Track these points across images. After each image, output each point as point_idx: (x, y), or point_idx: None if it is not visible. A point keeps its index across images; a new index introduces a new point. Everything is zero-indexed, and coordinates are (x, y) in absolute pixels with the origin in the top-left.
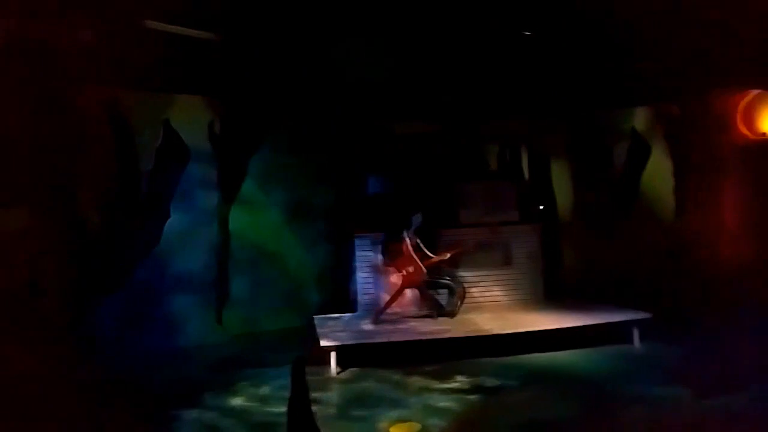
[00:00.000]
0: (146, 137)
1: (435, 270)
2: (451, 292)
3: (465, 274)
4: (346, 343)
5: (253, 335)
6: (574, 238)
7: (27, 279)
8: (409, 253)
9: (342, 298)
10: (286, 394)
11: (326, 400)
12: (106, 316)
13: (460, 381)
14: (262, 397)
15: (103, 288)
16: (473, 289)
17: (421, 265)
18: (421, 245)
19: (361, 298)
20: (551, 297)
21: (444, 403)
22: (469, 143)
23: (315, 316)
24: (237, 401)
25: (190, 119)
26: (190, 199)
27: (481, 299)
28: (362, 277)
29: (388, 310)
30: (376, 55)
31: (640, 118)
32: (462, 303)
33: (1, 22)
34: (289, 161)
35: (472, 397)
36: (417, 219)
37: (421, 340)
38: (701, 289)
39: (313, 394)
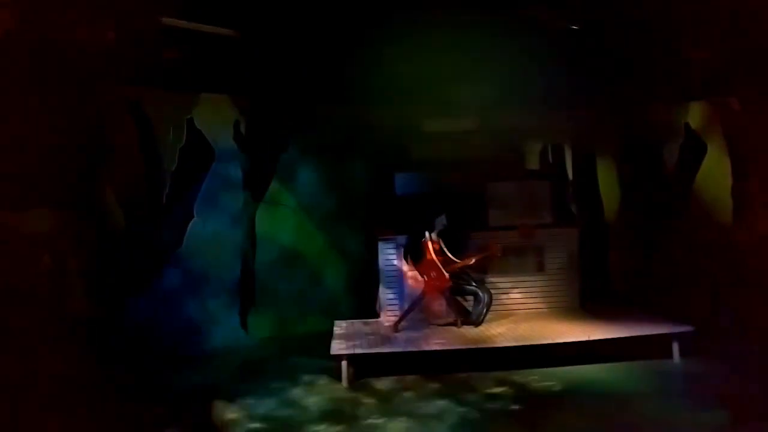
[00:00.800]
0: (170, 137)
1: (461, 275)
2: (477, 299)
3: (495, 280)
4: (356, 352)
5: (280, 339)
6: (622, 242)
7: (52, 281)
8: (431, 257)
9: (372, 303)
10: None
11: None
12: (129, 319)
13: (447, 399)
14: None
15: (128, 290)
16: (503, 296)
17: (443, 270)
18: (445, 249)
19: (385, 304)
20: (591, 305)
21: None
22: (506, 141)
23: (337, 321)
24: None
25: (215, 119)
26: (214, 200)
27: (512, 307)
28: (386, 281)
29: (411, 317)
30: (407, 49)
31: (694, 113)
32: (488, 311)
33: (23, 20)
34: (318, 161)
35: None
36: (441, 221)
37: (428, 351)
38: (759, 302)
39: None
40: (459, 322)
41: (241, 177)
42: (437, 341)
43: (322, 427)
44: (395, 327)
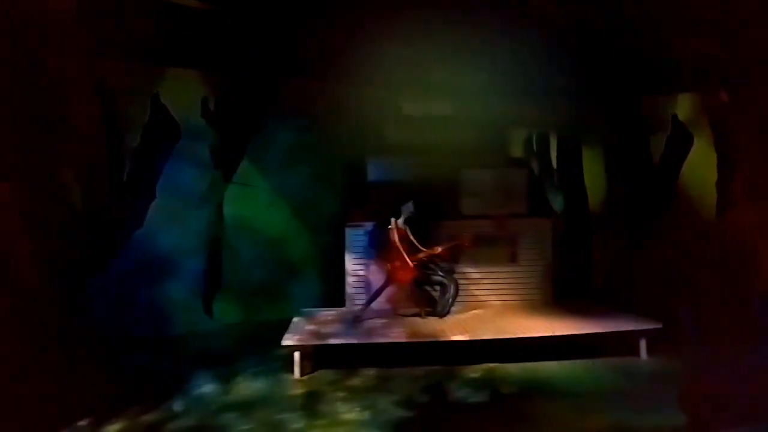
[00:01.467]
0: (133, 112)
1: (428, 265)
2: (443, 290)
3: (466, 270)
4: (308, 343)
5: (246, 326)
6: (605, 235)
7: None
8: (396, 245)
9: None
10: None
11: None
12: (86, 300)
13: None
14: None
15: (84, 270)
16: (474, 288)
17: (407, 259)
18: (412, 237)
19: (351, 292)
20: (564, 299)
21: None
22: (487, 128)
23: (303, 309)
24: None
25: (182, 94)
26: (179, 180)
27: (483, 298)
28: (352, 269)
29: (378, 306)
30: (389, 28)
31: (683, 105)
32: (454, 302)
33: None
34: (293, 142)
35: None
36: (407, 208)
37: (379, 343)
38: (739, 302)
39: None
40: (423, 312)
41: (208, 156)
42: (394, 333)
43: (232, 415)
44: (358, 317)
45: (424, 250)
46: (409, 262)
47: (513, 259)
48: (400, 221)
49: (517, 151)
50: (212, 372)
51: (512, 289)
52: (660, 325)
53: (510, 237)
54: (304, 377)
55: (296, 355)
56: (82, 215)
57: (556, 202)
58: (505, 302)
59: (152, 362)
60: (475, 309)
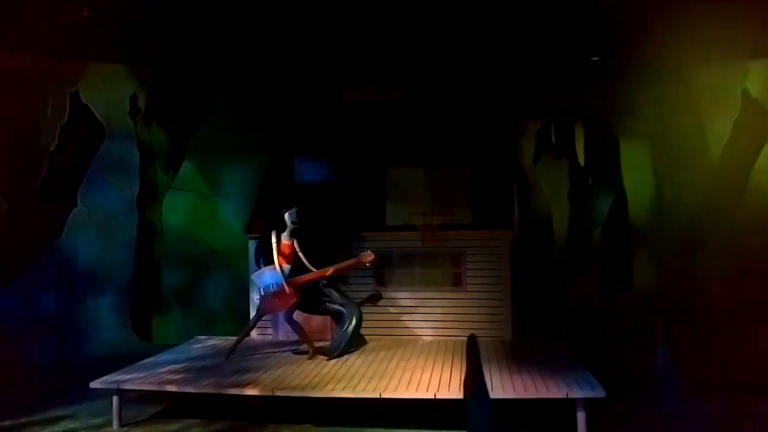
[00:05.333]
0: (49, 112)
1: (323, 290)
2: (341, 322)
3: (397, 296)
4: (123, 387)
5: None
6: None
7: None
8: (272, 266)
9: None
10: None
11: None
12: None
13: None
14: None
15: None
16: (405, 318)
17: (285, 283)
18: (300, 254)
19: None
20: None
21: None
22: (451, 115)
23: (197, 337)
24: None
25: (106, 91)
26: (103, 186)
27: (418, 332)
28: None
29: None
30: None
31: (755, 77)
32: (354, 338)
33: None
34: (238, 140)
35: None
36: (291, 216)
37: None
38: None
39: None
40: (312, 350)
41: (138, 159)
42: (243, 380)
43: None
44: (227, 355)
45: (314, 270)
46: (286, 287)
47: (457, 283)
48: (285, 234)
49: (528, 145)
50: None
51: (455, 321)
52: (603, 394)
53: (453, 254)
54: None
55: (114, 400)
56: None
57: (593, 209)
58: (445, 338)
59: None
60: (395, 347)
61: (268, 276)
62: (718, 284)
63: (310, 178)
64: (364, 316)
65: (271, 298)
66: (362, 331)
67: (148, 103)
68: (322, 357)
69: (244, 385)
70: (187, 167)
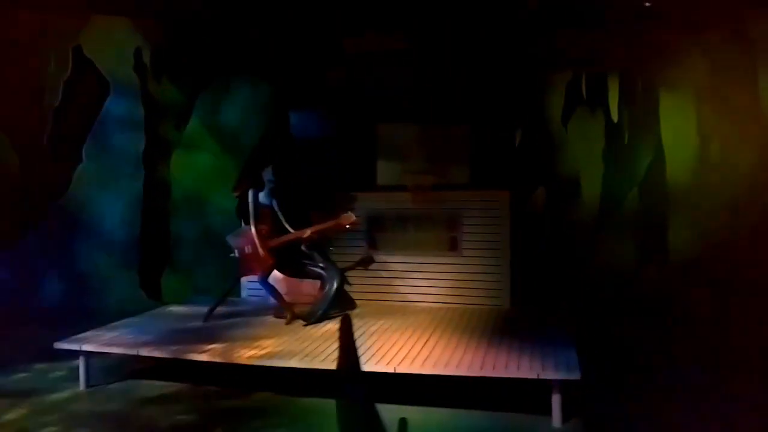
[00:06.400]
0: (53, 67)
1: (305, 252)
2: (321, 286)
3: (389, 259)
4: (84, 348)
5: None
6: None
7: None
8: (251, 226)
9: None
10: None
11: None
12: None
13: None
14: None
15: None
16: (398, 283)
17: (259, 245)
18: (280, 215)
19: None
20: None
21: None
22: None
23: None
24: None
25: (109, 46)
26: (108, 143)
27: (411, 298)
28: None
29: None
30: None
31: None
32: (334, 303)
33: None
34: (249, 95)
35: None
36: (266, 175)
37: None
38: None
39: None
40: (290, 316)
41: (143, 115)
42: (210, 346)
43: None
44: (205, 317)
45: (292, 231)
46: (260, 249)
47: (453, 248)
48: (263, 193)
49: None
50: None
51: (451, 288)
52: (578, 377)
53: (450, 217)
54: (90, 389)
55: (81, 362)
56: None
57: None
58: (440, 305)
59: None
60: (382, 314)
61: (243, 238)
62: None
63: (301, 133)
64: (355, 280)
65: (245, 260)
66: (353, 297)
67: (153, 57)
68: (300, 322)
69: (201, 351)
70: (195, 124)
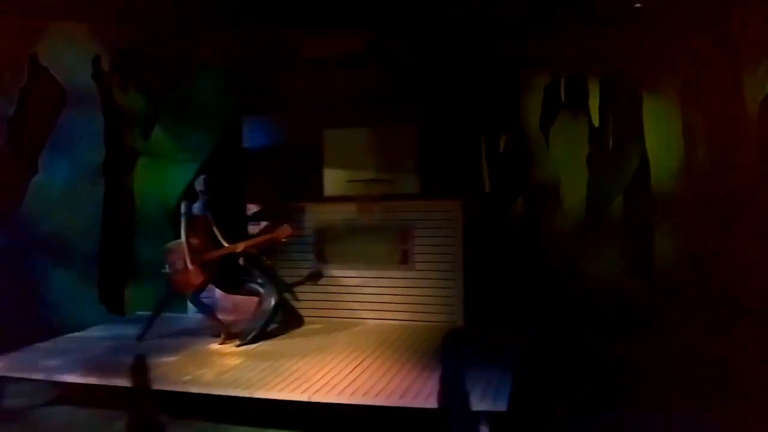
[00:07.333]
0: (7, 75)
1: (241, 268)
2: (259, 303)
3: (338, 273)
4: None
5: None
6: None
7: None
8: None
9: None
10: None
11: None
12: None
13: None
14: None
15: None
16: (349, 298)
17: (189, 260)
18: (215, 228)
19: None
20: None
21: None
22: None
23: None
24: None
25: (66, 53)
26: (67, 152)
27: (361, 314)
28: None
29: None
30: None
31: None
32: (270, 322)
33: None
34: (209, 102)
35: None
36: (198, 185)
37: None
38: None
39: None
40: (224, 335)
41: (102, 123)
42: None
43: None
44: (139, 336)
45: (226, 245)
46: (189, 264)
47: (404, 260)
48: (196, 205)
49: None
50: None
51: (403, 303)
52: (505, 408)
53: (400, 227)
54: None
55: None
56: None
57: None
58: (391, 324)
59: None
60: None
61: (174, 252)
62: (755, 266)
63: (250, 142)
64: (304, 296)
65: (177, 275)
66: (302, 313)
67: (114, 64)
68: (233, 342)
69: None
70: (158, 133)
